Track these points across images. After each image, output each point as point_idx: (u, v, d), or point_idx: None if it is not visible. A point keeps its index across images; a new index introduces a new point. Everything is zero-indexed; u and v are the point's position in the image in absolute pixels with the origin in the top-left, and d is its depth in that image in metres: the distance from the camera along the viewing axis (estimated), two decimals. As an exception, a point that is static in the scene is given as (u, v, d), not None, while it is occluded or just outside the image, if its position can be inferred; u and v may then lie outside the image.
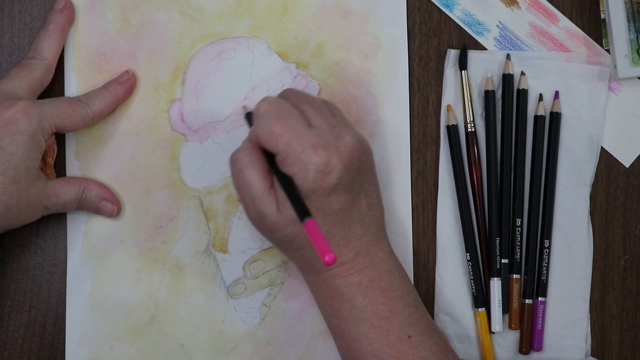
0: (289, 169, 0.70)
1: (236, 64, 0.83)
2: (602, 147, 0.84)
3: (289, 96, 0.74)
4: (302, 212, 0.67)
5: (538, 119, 0.83)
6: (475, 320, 0.82)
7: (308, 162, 0.69)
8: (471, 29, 0.84)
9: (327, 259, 0.63)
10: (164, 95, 0.83)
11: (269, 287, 0.82)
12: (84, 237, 0.81)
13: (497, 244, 0.82)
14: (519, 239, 0.82)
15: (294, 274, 0.82)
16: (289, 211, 0.70)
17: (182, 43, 0.83)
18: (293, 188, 0.69)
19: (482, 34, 0.84)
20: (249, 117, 0.75)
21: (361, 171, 0.73)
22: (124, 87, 0.81)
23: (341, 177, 0.70)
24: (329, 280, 0.74)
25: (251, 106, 0.75)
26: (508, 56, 0.83)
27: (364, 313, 0.73)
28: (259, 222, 0.72)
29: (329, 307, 0.75)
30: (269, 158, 0.72)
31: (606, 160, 0.84)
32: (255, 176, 0.71)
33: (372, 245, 0.74)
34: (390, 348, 0.73)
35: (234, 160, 0.72)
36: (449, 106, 0.83)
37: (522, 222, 0.82)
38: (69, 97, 0.79)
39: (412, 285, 0.76)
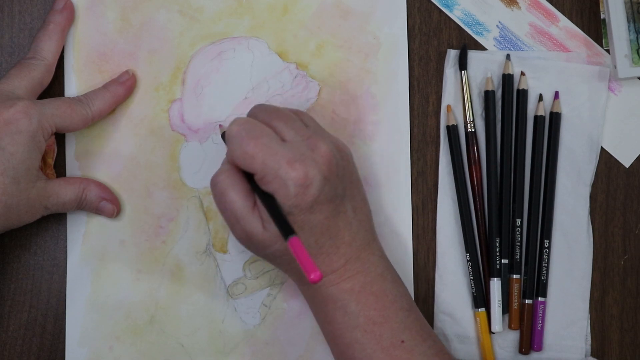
0: (269, 186, 0.70)
1: (236, 64, 0.83)
2: (602, 147, 0.84)
3: (258, 114, 0.74)
4: (286, 230, 0.66)
5: (538, 119, 0.83)
6: (475, 320, 0.82)
7: (286, 178, 0.69)
8: (471, 29, 0.84)
9: (312, 276, 0.63)
10: (164, 95, 0.83)
11: (269, 287, 0.82)
12: (84, 237, 0.81)
13: (497, 244, 0.82)
14: (518, 239, 0.82)
15: (294, 274, 0.82)
16: (274, 228, 0.69)
17: (182, 43, 0.83)
18: (275, 206, 0.69)
19: (482, 34, 0.84)
20: (225, 137, 0.75)
21: (342, 177, 0.72)
22: (124, 87, 0.81)
23: (322, 187, 0.70)
24: (322, 289, 0.73)
25: (227, 125, 0.75)
26: (508, 56, 0.83)
27: (356, 319, 0.73)
28: (247, 241, 0.72)
29: (323, 314, 0.74)
30: (249, 177, 0.71)
31: (606, 160, 0.84)
32: (237, 197, 0.71)
33: (363, 250, 0.74)
34: (384, 353, 0.73)
35: (214, 184, 0.72)
36: (448, 106, 0.83)
37: (522, 222, 0.82)
38: (69, 97, 0.79)
39: (405, 288, 0.76)
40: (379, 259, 0.75)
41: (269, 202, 0.69)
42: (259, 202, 0.71)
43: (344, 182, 0.73)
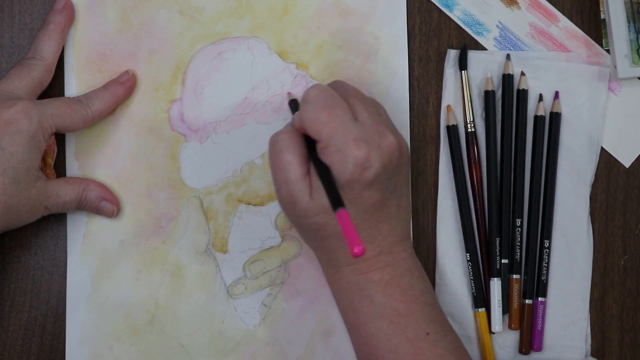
0: (329, 158, 0.70)
1: (236, 64, 0.83)
2: (602, 147, 0.84)
3: (338, 88, 0.75)
4: (337, 201, 0.67)
5: (538, 119, 0.83)
6: (475, 320, 0.82)
7: (349, 154, 0.69)
8: (471, 29, 0.84)
9: (356, 250, 0.63)
10: (164, 96, 0.83)
11: (269, 287, 0.82)
12: (84, 237, 0.81)
13: (497, 244, 0.82)
14: (519, 239, 0.82)
15: (294, 274, 0.82)
16: (321, 199, 0.70)
17: (182, 43, 0.83)
18: (329, 177, 0.70)
19: (482, 34, 0.84)
20: (293, 104, 0.77)
21: (397, 173, 0.73)
22: (124, 87, 0.81)
23: (378, 174, 0.71)
24: (350, 276, 0.74)
25: (295, 94, 0.78)
26: (508, 56, 0.83)
27: (382, 309, 0.73)
28: (289, 206, 0.73)
29: (348, 302, 0.75)
30: (308, 145, 0.72)
31: (606, 160, 0.84)
32: (293, 160, 0.72)
33: (396, 246, 0.74)
34: (409, 345, 0.73)
35: (274, 141, 0.73)
36: (449, 106, 0.83)
37: (522, 222, 0.82)
38: (69, 97, 0.79)
39: (430, 285, 0.77)
40: (409, 256, 0.75)
41: (324, 172, 0.70)
42: (312, 171, 0.72)
43: (397, 178, 0.74)
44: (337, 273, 0.75)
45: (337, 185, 0.70)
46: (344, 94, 0.74)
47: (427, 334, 0.73)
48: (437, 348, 0.73)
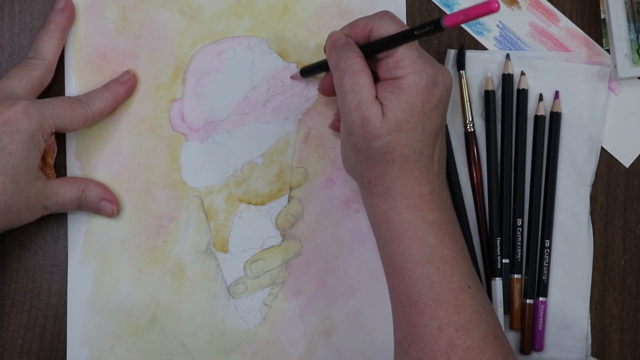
0: (402, 70, 0.71)
1: (236, 64, 0.83)
2: (602, 147, 0.84)
3: None
4: (431, 22, 0.67)
5: (538, 119, 0.83)
6: (476, 320, 0.82)
7: (423, 68, 0.71)
8: (471, 29, 0.84)
9: (495, 5, 0.62)
10: (164, 95, 0.83)
11: (270, 287, 0.82)
12: (84, 237, 0.81)
13: (498, 244, 0.82)
14: (519, 238, 0.82)
15: (294, 274, 0.82)
16: (394, 116, 0.71)
17: (182, 43, 0.83)
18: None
19: (483, 34, 0.84)
20: (305, 71, 0.81)
21: (447, 107, 0.74)
22: (125, 87, 0.81)
23: (442, 95, 0.72)
24: (405, 212, 0.73)
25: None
26: (508, 56, 0.83)
27: (432, 254, 0.73)
28: (360, 129, 0.72)
29: (397, 244, 0.74)
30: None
31: (606, 160, 0.84)
32: (367, 82, 0.72)
33: (442, 189, 0.75)
34: (451, 294, 0.72)
35: (344, 64, 0.73)
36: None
37: (522, 222, 0.82)
38: (69, 97, 0.79)
39: None
40: (451, 205, 0.76)
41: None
42: (379, 91, 0.72)
43: (444, 118, 0.74)
44: (391, 210, 0.74)
45: (409, 100, 0.71)
46: None
47: (469, 287, 0.73)
48: (476, 303, 0.73)
